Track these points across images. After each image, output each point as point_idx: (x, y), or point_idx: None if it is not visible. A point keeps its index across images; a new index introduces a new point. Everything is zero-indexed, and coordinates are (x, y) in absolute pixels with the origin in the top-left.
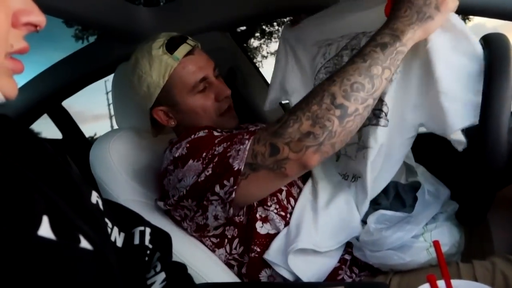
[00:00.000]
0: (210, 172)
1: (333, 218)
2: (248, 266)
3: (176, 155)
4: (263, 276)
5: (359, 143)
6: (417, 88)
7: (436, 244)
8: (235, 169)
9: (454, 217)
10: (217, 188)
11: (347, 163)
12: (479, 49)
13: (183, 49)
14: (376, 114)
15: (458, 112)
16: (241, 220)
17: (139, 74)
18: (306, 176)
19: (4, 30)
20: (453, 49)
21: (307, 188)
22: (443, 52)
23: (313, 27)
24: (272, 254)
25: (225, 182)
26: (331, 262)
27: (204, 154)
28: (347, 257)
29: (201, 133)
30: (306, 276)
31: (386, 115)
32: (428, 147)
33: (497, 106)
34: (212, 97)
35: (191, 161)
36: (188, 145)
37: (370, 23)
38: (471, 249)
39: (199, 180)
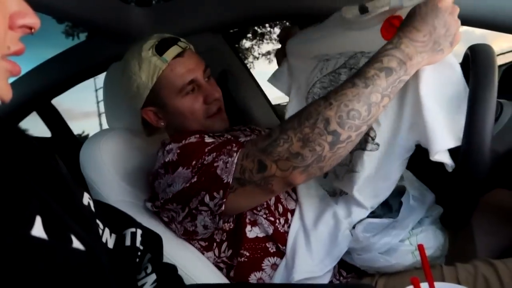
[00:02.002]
0: (195, 179)
1: (323, 235)
2: (236, 270)
3: (167, 160)
4: (252, 279)
5: (349, 165)
6: (410, 109)
7: (420, 247)
8: (224, 181)
9: (439, 221)
10: (207, 199)
11: (335, 181)
12: (459, 72)
13: (172, 51)
14: (363, 138)
15: (442, 134)
16: (231, 227)
17: (129, 75)
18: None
19: (2, 32)
20: (435, 70)
21: (296, 213)
22: (428, 73)
23: (313, 41)
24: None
25: (215, 194)
26: (328, 275)
27: (194, 162)
28: None
29: (193, 139)
30: None
31: (373, 139)
32: (414, 152)
33: (481, 115)
34: (200, 99)
35: (181, 168)
36: (179, 151)
37: (368, 43)
38: (454, 252)
39: (185, 186)
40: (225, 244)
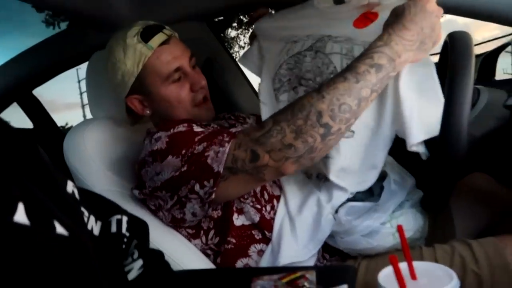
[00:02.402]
0: (185, 168)
1: (308, 221)
2: (223, 256)
3: (155, 148)
4: (239, 265)
5: None
6: (392, 101)
7: (399, 228)
8: (215, 171)
9: (419, 205)
10: (197, 187)
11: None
12: (434, 68)
13: (158, 38)
14: None
15: (416, 128)
16: (219, 214)
17: (113, 62)
18: None
19: None
20: (413, 66)
21: (281, 200)
22: (407, 69)
23: (281, 22)
24: None
25: (205, 182)
26: (312, 259)
27: (184, 151)
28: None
29: (181, 127)
30: None
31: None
32: (395, 138)
33: (458, 100)
34: (187, 87)
35: (170, 157)
36: (167, 139)
37: (338, 29)
38: (434, 234)
39: (174, 175)
40: (212, 232)
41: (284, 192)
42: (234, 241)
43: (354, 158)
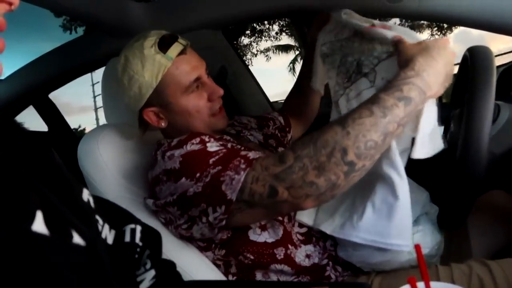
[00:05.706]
0: (200, 189)
1: None
2: (238, 268)
3: (169, 168)
4: (258, 274)
5: None
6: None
7: (417, 247)
8: (228, 198)
9: (436, 220)
10: (208, 211)
11: None
12: None
13: (175, 48)
14: None
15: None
16: (229, 235)
17: (130, 74)
18: None
19: None
20: None
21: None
22: None
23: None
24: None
25: (217, 208)
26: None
27: (198, 174)
28: (334, 253)
29: (194, 146)
30: None
31: None
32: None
33: (479, 116)
34: (205, 96)
35: (184, 179)
36: (181, 159)
37: None
38: (450, 252)
39: (187, 194)
40: (224, 245)
41: None
42: (252, 257)
43: None
